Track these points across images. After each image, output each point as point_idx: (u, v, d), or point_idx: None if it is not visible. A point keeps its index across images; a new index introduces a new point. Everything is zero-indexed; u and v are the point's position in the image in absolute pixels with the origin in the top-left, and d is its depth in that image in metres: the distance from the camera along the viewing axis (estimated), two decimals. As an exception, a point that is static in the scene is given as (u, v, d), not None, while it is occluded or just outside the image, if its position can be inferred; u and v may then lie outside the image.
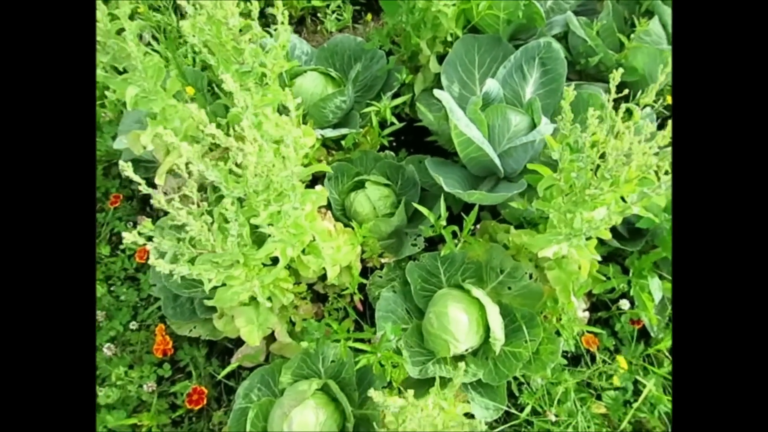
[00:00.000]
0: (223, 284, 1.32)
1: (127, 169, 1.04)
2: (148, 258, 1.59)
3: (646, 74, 1.66)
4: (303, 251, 1.39)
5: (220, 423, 1.51)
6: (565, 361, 1.41)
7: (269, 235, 1.23)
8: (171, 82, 1.28)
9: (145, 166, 1.85)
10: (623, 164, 0.99)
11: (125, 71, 1.23)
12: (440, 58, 1.74)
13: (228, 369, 1.43)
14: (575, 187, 1.10)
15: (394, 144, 1.85)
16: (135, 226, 1.81)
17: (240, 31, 1.20)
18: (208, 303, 1.34)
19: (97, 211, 1.84)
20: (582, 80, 1.76)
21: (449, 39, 1.69)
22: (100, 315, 1.58)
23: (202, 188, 1.64)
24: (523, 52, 1.63)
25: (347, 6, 1.85)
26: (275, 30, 1.26)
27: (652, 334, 1.49)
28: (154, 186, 1.80)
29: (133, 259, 1.72)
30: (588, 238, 1.19)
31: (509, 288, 1.48)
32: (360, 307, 1.52)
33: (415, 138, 1.86)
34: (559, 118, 1.25)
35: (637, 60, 1.65)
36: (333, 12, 1.85)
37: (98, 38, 1.08)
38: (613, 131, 1.03)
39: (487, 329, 1.41)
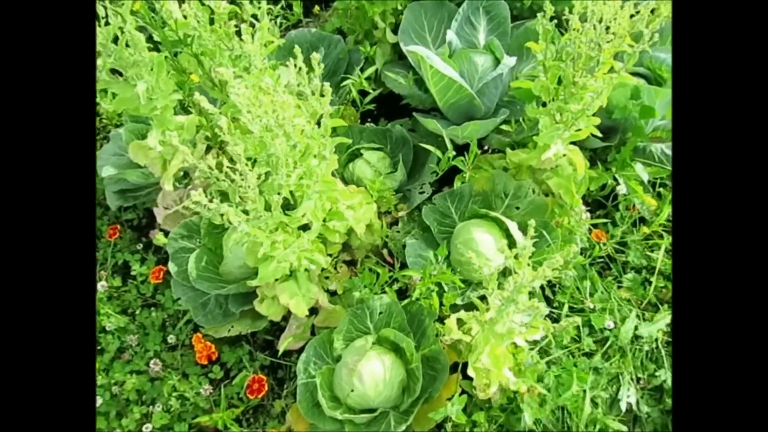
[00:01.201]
0: (265, 260, 1.35)
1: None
2: (165, 276, 1.58)
3: None
4: (324, 220, 1.45)
5: (282, 411, 1.50)
6: (584, 259, 1.55)
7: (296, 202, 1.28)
8: (164, 82, 1.31)
9: (133, 195, 1.84)
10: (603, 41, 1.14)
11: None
12: (393, 31, 1.88)
13: (284, 346, 1.44)
14: (564, 80, 1.25)
15: (369, 118, 1.95)
16: (142, 251, 1.78)
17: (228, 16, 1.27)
18: (252, 283, 1.35)
19: (98, 246, 1.80)
20: (522, 20, 1.95)
21: (399, 8, 1.83)
22: (132, 340, 1.54)
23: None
24: (468, 5, 1.80)
25: (297, 2, 1.96)
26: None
27: (646, 217, 1.66)
28: (151, 214, 1.80)
29: (147, 284, 1.69)
30: (578, 130, 1.34)
31: (517, 208, 1.61)
32: (390, 260, 1.59)
33: (387, 109, 1.97)
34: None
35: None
36: (282, 11, 1.95)
37: (99, 40, 1.11)
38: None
39: (510, 246, 1.53)
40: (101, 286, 1.61)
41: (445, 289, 1.45)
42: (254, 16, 1.30)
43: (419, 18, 1.89)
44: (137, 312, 1.65)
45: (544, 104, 1.43)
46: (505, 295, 0.99)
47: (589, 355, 1.46)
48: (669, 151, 1.64)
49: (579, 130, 1.32)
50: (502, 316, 1.03)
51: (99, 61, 1.12)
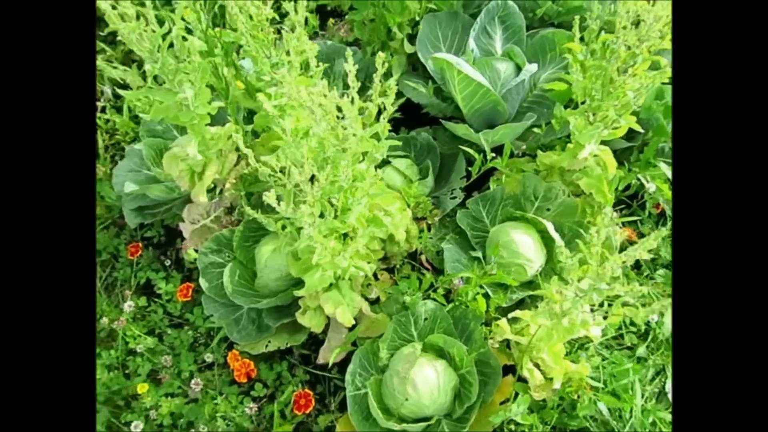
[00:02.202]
0: (309, 269, 1.32)
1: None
2: (193, 294, 1.52)
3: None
4: (363, 227, 1.43)
5: (328, 426, 1.46)
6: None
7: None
8: (203, 90, 1.29)
9: (152, 212, 1.78)
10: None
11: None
12: (409, 41, 1.91)
13: (333, 357, 1.39)
14: (603, 79, 1.28)
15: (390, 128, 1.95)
16: (165, 268, 1.72)
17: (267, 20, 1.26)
18: (298, 293, 1.32)
19: (114, 268, 1.72)
20: (534, 29, 2.01)
21: (417, 18, 1.87)
22: (166, 360, 1.47)
23: (231, 209, 1.62)
24: (485, 15, 1.84)
25: (312, 15, 1.96)
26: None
27: (669, 213, 1.71)
28: (171, 231, 1.75)
29: (173, 302, 1.62)
30: (615, 128, 1.37)
31: (548, 210, 1.63)
32: (428, 266, 1.58)
33: (407, 118, 1.98)
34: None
35: None
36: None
37: (146, 47, 1.08)
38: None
39: (546, 247, 1.54)
40: (127, 306, 1.54)
41: (489, 292, 1.45)
42: (291, 27, 1.30)
43: (434, 29, 1.93)
44: (166, 332, 1.58)
45: (575, 106, 1.47)
46: (587, 283, 1.00)
47: (631, 348, 1.48)
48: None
49: (616, 128, 1.35)
50: (576, 307, 1.03)
51: (146, 67, 1.09)
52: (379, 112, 1.20)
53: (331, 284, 1.38)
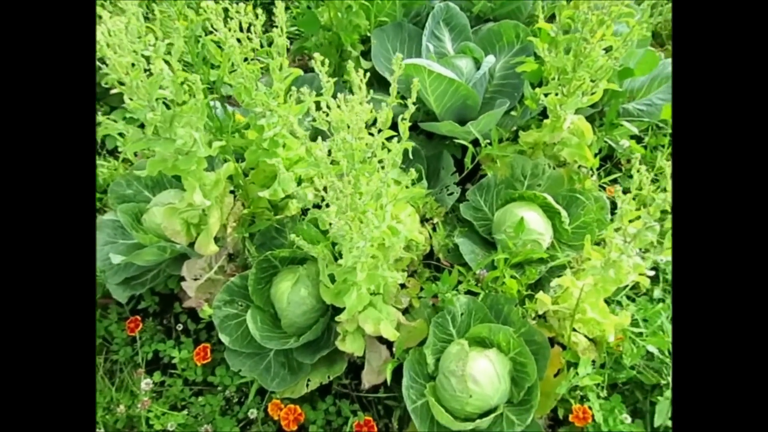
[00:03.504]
0: (342, 292, 1.28)
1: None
2: (211, 353, 1.43)
3: None
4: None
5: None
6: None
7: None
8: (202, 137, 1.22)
9: (140, 282, 1.65)
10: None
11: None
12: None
13: (389, 370, 1.34)
14: (575, 52, 1.38)
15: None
16: (175, 339, 1.58)
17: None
18: (341, 318, 1.27)
19: (110, 351, 1.57)
20: (476, 26, 2.12)
21: (368, 35, 1.91)
22: (207, 430, 1.35)
23: (233, 256, 1.55)
24: (431, 20, 1.93)
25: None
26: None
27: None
28: (164, 298, 1.62)
29: (190, 369, 1.50)
30: (593, 93, 1.47)
31: (538, 185, 1.70)
32: (447, 263, 1.58)
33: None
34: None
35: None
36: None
37: (148, 94, 1.02)
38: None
39: (549, 222, 1.61)
40: (145, 384, 1.40)
41: (515, 274, 1.48)
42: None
43: (384, 42, 1.98)
44: (192, 402, 1.45)
45: (545, 83, 1.56)
46: (631, 231, 1.05)
47: (646, 294, 1.56)
48: (641, 107, 1.86)
49: (593, 93, 1.45)
50: (628, 253, 1.07)
51: (149, 116, 1.02)
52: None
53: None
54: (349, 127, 1.08)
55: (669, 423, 1.34)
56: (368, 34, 1.93)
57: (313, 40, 1.91)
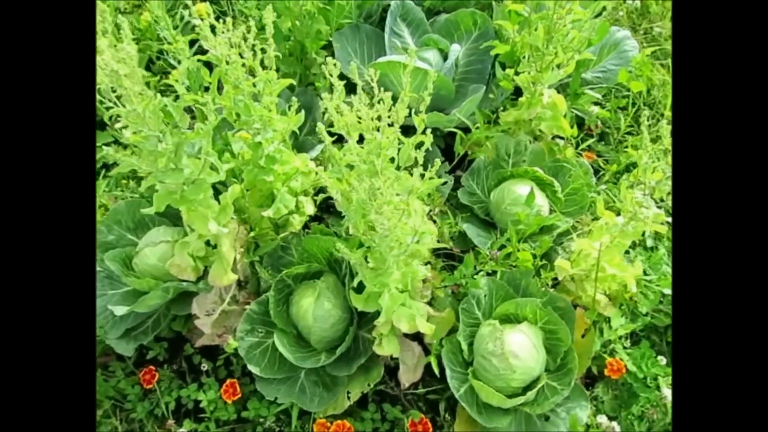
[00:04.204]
0: (374, 296, 1.27)
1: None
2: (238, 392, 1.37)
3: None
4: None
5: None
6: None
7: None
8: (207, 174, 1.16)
9: (142, 331, 1.54)
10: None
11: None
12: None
13: (434, 363, 1.33)
14: (547, 27, 1.44)
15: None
16: (192, 381, 1.49)
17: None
18: (378, 322, 1.26)
19: (122, 410, 1.45)
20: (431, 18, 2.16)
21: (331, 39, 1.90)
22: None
23: (245, 282, 1.49)
24: (390, 18, 1.95)
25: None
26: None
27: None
28: (174, 340, 1.53)
29: (219, 409, 1.42)
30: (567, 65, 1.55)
31: (523, 161, 1.77)
32: (456, 250, 1.60)
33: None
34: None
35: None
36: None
37: (155, 128, 0.95)
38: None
39: (543, 193, 1.67)
40: (180, 434, 1.31)
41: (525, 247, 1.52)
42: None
43: (344, 45, 1.98)
44: (231, 442, 1.38)
45: (504, 67, 1.63)
46: (650, 184, 1.11)
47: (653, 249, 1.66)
48: (596, 74, 1.98)
49: (567, 64, 1.53)
50: (647, 205, 1.14)
51: (161, 146, 0.95)
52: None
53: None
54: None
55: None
56: (329, 39, 1.92)
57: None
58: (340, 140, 1.91)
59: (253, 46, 1.16)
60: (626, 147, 1.89)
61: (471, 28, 1.95)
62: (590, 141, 1.87)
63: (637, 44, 1.99)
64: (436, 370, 1.33)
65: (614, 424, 1.24)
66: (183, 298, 1.53)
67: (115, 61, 0.81)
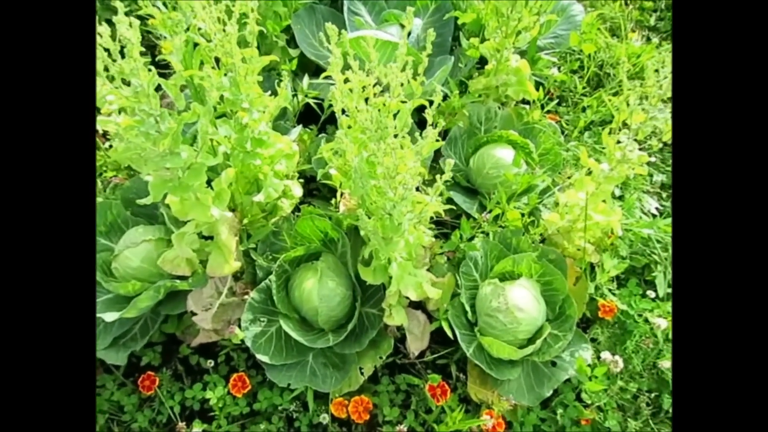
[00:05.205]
0: (382, 269, 1.27)
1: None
2: (248, 384, 1.33)
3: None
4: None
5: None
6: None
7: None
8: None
9: (131, 338, 1.45)
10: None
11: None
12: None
13: (447, 327, 1.35)
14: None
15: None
16: (192, 381, 1.42)
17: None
18: (390, 290, 1.26)
19: (120, 422, 1.37)
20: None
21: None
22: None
23: (240, 273, 1.44)
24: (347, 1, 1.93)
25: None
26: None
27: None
28: (167, 342, 1.46)
29: (229, 405, 1.37)
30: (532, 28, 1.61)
31: (495, 127, 1.82)
32: (447, 217, 1.63)
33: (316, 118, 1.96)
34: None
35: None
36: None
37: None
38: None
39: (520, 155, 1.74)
40: (195, 435, 1.25)
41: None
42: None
43: (302, 27, 1.94)
44: (248, 436, 1.33)
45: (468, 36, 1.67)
46: (633, 128, 1.19)
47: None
48: (549, 40, 2.07)
49: (533, 27, 1.59)
50: (632, 148, 1.21)
51: (164, 126, 0.89)
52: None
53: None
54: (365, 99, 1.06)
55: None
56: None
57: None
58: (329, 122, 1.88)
59: (238, 20, 1.11)
60: (584, 107, 1.99)
61: (427, 2, 1.97)
62: (552, 104, 1.96)
63: (582, 9, 2.10)
64: (449, 333, 1.36)
65: (617, 358, 1.32)
66: (171, 299, 1.45)
67: (118, 35, 0.75)
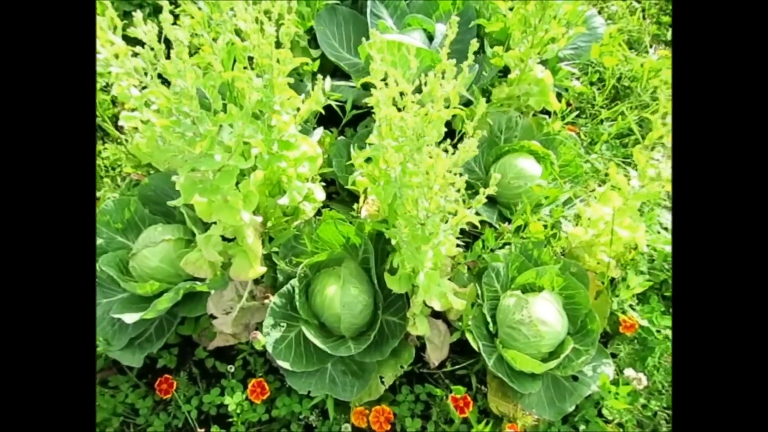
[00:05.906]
0: (408, 277, 1.26)
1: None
2: (267, 390, 1.31)
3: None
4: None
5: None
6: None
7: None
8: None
9: (146, 339, 1.42)
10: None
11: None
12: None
13: (470, 335, 1.34)
14: (545, 5, 1.48)
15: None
16: (209, 385, 1.40)
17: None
18: (416, 299, 1.24)
19: (135, 426, 1.34)
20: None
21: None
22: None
23: (261, 277, 1.42)
24: (370, 1, 1.91)
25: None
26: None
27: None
28: (183, 344, 1.44)
29: (246, 411, 1.34)
30: (556, 40, 1.61)
31: (515, 137, 1.81)
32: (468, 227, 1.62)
33: (337, 120, 1.94)
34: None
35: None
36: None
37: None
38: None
39: (541, 165, 1.73)
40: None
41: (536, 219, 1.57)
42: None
43: (324, 29, 1.92)
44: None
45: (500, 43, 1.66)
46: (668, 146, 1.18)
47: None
48: (569, 51, 2.07)
49: (561, 39, 1.58)
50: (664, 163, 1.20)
51: (202, 128, 0.87)
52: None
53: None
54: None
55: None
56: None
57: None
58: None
59: (276, 20, 1.09)
60: (601, 120, 1.99)
61: (450, 8, 1.96)
62: (572, 115, 1.95)
63: (604, 21, 2.10)
64: (474, 345, 1.34)
65: (641, 375, 1.32)
66: (188, 300, 1.43)
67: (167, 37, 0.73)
